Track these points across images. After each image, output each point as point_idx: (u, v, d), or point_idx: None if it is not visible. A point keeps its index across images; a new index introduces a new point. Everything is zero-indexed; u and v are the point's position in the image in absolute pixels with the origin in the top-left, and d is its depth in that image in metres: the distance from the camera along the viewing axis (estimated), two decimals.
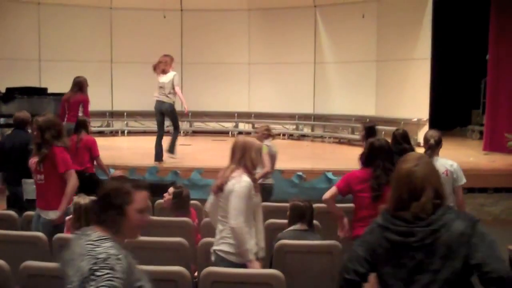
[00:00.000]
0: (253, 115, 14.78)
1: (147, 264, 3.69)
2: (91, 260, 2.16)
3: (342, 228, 4.75)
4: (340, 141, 13.37)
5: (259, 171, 6.39)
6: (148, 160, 9.30)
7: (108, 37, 14.62)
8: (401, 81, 12.59)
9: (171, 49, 14.60)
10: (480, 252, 2.35)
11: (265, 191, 6.52)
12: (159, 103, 9.34)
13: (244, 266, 3.79)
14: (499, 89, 10.93)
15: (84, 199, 4.44)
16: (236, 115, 14.62)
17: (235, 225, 3.74)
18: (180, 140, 9.81)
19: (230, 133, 14.44)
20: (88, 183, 5.94)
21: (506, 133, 9.99)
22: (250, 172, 3.89)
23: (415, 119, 12.15)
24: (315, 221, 4.81)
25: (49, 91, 11.49)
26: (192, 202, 5.84)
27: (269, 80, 14.59)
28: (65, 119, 8.91)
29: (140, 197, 2.35)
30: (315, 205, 5.11)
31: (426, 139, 5.33)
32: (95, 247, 2.21)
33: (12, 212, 5.26)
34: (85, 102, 8.82)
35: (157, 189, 5.58)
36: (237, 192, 3.76)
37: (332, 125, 14.11)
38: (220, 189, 3.86)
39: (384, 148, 4.64)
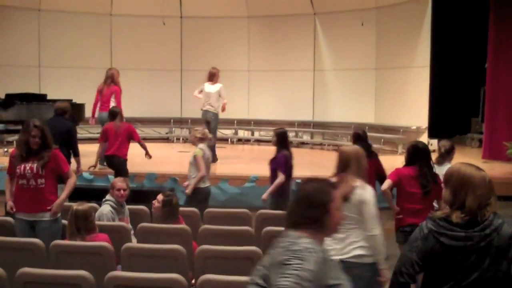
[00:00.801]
0: (252, 122, 14.80)
1: (144, 271, 3.68)
2: (287, 253, 2.25)
3: (398, 214, 5.20)
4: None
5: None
6: (147, 166, 9.27)
7: (108, 44, 14.63)
8: (400, 89, 12.60)
9: (171, 56, 14.73)
10: None
11: (202, 195, 6.60)
12: (204, 112, 9.93)
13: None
14: (498, 97, 10.93)
15: (81, 205, 4.43)
16: (235, 122, 14.62)
17: (377, 233, 3.89)
18: (179, 147, 9.84)
19: (229, 140, 14.44)
20: (120, 166, 6.29)
21: (504, 141, 9.98)
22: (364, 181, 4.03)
23: (414, 127, 12.15)
24: None
25: (49, 97, 11.47)
26: (186, 209, 5.84)
27: (268, 87, 14.61)
28: (98, 109, 9.32)
29: (337, 195, 2.47)
30: None
31: (438, 148, 6.09)
32: (292, 244, 2.28)
33: (9, 218, 5.23)
34: (117, 93, 9.23)
35: (155, 196, 5.53)
36: (370, 202, 3.92)
37: (331, 132, 14.12)
38: (345, 199, 3.88)
39: (426, 150, 5.29)
